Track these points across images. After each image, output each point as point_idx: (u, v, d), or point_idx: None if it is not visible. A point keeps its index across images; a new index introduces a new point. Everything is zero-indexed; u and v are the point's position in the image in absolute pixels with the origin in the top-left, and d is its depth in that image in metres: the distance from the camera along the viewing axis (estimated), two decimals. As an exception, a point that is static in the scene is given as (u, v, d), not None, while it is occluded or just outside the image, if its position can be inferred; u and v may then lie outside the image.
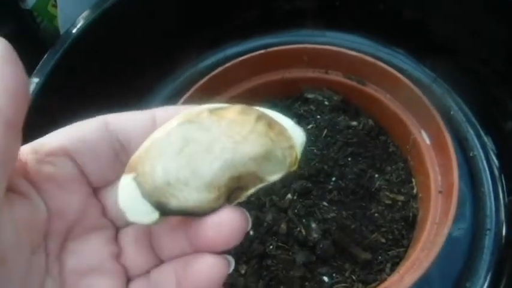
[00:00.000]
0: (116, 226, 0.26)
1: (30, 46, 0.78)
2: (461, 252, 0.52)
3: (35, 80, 0.54)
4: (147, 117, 0.25)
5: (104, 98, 0.46)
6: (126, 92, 0.56)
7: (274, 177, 0.24)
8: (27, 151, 0.23)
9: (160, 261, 0.25)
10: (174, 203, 0.23)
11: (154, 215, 0.23)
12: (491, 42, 0.57)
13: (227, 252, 0.23)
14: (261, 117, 0.23)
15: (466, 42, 0.59)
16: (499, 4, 0.54)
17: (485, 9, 0.56)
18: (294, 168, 0.24)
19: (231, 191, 0.24)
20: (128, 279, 0.26)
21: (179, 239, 0.24)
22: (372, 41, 0.66)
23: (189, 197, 0.23)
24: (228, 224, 0.23)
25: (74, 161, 0.24)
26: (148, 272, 0.25)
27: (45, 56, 0.56)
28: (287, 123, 0.25)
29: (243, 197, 0.24)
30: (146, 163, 0.23)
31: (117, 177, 0.25)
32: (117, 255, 0.26)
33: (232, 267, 0.24)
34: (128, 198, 0.23)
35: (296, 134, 0.24)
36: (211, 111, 0.23)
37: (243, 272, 0.44)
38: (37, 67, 0.55)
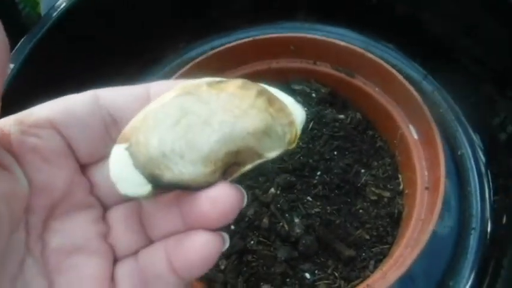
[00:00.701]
0: (104, 205, 0.25)
1: (11, 33, 0.76)
2: (446, 250, 0.51)
3: (10, 66, 0.52)
4: (140, 92, 0.24)
5: (85, 86, 0.45)
6: (109, 81, 0.54)
7: (273, 154, 0.23)
8: (10, 122, 0.22)
9: (150, 242, 0.24)
10: (168, 175, 0.21)
11: (146, 188, 0.22)
12: (483, 40, 0.56)
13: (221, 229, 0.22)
14: (261, 92, 0.23)
15: (458, 40, 0.58)
16: (493, 2, 0.53)
17: (479, 6, 0.55)
18: (293, 145, 0.24)
19: (228, 166, 0.23)
20: (115, 260, 0.24)
21: (172, 216, 0.23)
22: (364, 36, 0.65)
23: (184, 170, 0.22)
24: (223, 199, 0.21)
25: (61, 135, 0.23)
26: (137, 252, 0.24)
27: (21, 40, 0.54)
28: (287, 100, 0.24)
29: (240, 172, 0.23)
30: (141, 133, 0.22)
31: (107, 154, 0.23)
32: (105, 235, 0.24)
33: (227, 244, 0.23)
34: (120, 169, 0.22)
35: (296, 111, 0.24)
36: (211, 84, 0.23)
37: (222, 267, 0.42)
38: (12, 51, 0.53)
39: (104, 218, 0.25)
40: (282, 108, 0.23)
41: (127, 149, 0.22)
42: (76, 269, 0.23)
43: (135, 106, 0.23)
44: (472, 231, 0.52)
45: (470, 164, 0.56)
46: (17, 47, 0.53)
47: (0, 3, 0.77)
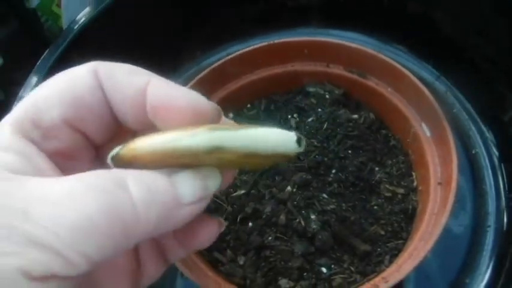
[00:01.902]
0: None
1: (34, 45, 0.79)
2: (462, 248, 0.52)
3: (34, 77, 0.54)
4: (139, 87, 0.23)
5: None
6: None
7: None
8: (28, 126, 0.22)
9: None
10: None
11: None
12: (495, 39, 0.57)
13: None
14: (265, 157, 0.24)
15: (470, 40, 0.59)
16: (504, 1, 0.54)
17: (490, 6, 0.56)
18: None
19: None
20: None
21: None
22: (375, 39, 0.66)
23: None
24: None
25: (77, 130, 0.24)
26: None
27: (45, 52, 0.56)
28: (289, 147, 0.24)
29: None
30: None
31: (115, 133, 0.25)
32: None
33: (223, 227, 0.27)
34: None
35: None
36: (209, 152, 0.22)
37: (241, 263, 0.44)
38: (37, 64, 0.55)
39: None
40: (284, 156, 0.24)
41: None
42: None
43: (133, 101, 0.24)
44: (488, 229, 0.53)
45: (485, 162, 0.57)
46: (41, 58, 0.56)
47: (24, 17, 0.80)
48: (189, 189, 0.22)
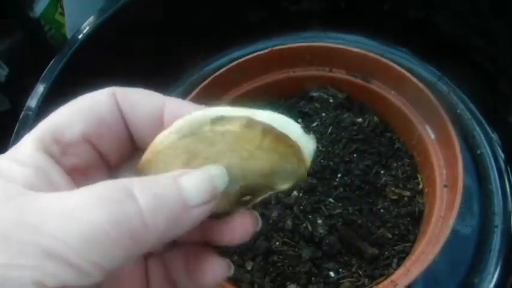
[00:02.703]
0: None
1: (39, 54, 0.79)
2: (470, 249, 0.52)
3: (41, 86, 0.55)
4: (157, 106, 0.25)
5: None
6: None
7: (284, 186, 0.25)
8: (48, 141, 0.23)
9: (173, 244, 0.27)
10: None
11: None
12: (497, 39, 0.57)
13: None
14: (267, 131, 0.23)
15: (472, 40, 0.59)
16: (506, 2, 0.54)
17: (490, 6, 0.56)
18: (305, 177, 0.25)
19: (242, 197, 0.24)
20: (146, 257, 0.27)
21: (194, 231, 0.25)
22: (378, 42, 0.66)
23: None
24: (241, 229, 0.25)
25: (95, 148, 0.25)
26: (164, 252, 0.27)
27: (51, 62, 0.57)
28: (295, 132, 0.23)
29: (254, 203, 0.25)
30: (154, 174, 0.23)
31: (130, 154, 0.26)
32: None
33: (232, 270, 0.27)
34: None
35: (306, 143, 0.24)
36: (214, 121, 0.23)
37: (249, 268, 0.44)
38: (43, 73, 0.56)
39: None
40: (291, 145, 0.23)
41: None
42: None
43: (150, 118, 0.25)
44: (495, 229, 0.53)
45: (490, 162, 0.57)
46: (47, 68, 0.56)
47: (27, 26, 0.81)
48: (196, 190, 0.22)
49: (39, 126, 0.23)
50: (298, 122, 0.47)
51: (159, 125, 0.25)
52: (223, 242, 0.26)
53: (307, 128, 0.43)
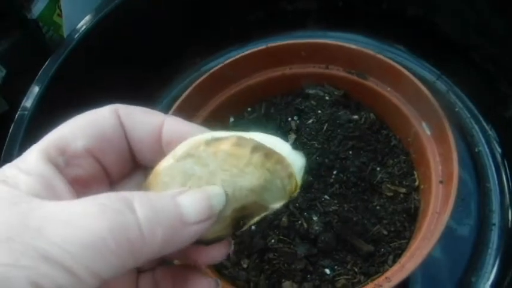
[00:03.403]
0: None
1: (37, 56, 0.79)
2: (467, 247, 0.52)
3: (36, 87, 0.55)
4: (156, 125, 0.26)
5: (108, 102, 0.47)
6: (128, 98, 0.57)
7: (277, 205, 0.25)
8: (53, 152, 0.24)
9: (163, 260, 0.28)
10: None
11: None
12: (495, 38, 0.57)
13: None
14: (256, 148, 0.24)
15: (470, 39, 0.59)
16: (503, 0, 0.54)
17: (491, 5, 0.56)
18: (295, 194, 0.25)
19: (237, 220, 0.25)
20: (139, 272, 0.28)
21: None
22: (376, 40, 0.66)
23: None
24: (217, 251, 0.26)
25: (98, 161, 0.26)
26: (155, 267, 0.28)
27: (47, 61, 0.57)
28: (285, 149, 0.25)
29: (249, 225, 0.25)
30: None
31: (131, 170, 0.27)
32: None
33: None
34: None
35: (295, 160, 0.25)
36: (208, 142, 0.24)
37: (245, 266, 0.44)
38: (38, 74, 0.56)
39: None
40: (279, 161, 0.24)
41: None
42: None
43: (150, 138, 0.26)
44: (493, 227, 0.53)
45: (488, 160, 0.57)
46: (43, 68, 0.56)
47: (26, 28, 0.81)
48: (194, 208, 0.23)
49: (45, 138, 0.25)
50: (294, 120, 0.47)
51: (158, 142, 0.26)
52: (199, 262, 0.27)
53: (302, 126, 0.43)
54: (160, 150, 0.26)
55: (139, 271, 0.28)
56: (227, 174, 0.24)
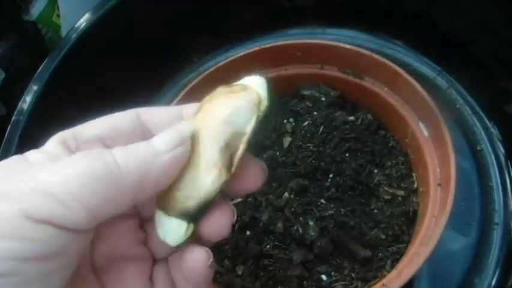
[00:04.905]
0: (143, 216, 0.29)
1: (34, 57, 0.79)
2: (469, 247, 0.51)
3: (35, 86, 0.54)
4: (175, 112, 0.28)
5: (106, 101, 0.46)
6: (127, 97, 0.56)
7: (252, 123, 0.26)
8: (68, 137, 0.26)
9: None
10: (190, 202, 0.25)
11: (184, 225, 0.26)
12: (496, 33, 0.55)
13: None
14: (225, 88, 0.27)
15: (471, 34, 0.58)
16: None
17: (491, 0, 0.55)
18: (264, 107, 0.26)
19: (228, 161, 0.26)
20: (154, 262, 0.29)
21: None
22: (375, 36, 0.65)
23: (198, 188, 0.25)
24: (220, 220, 0.27)
25: (107, 148, 0.26)
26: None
27: (45, 61, 0.56)
28: (246, 79, 0.28)
29: (239, 156, 0.26)
30: (162, 192, 0.26)
31: None
32: (144, 241, 0.29)
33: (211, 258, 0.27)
34: (162, 228, 0.26)
35: (253, 80, 0.27)
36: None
37: (240, 272, 0.43)
38: (36, 73, 0.56)
39: (142, 227, 0.29)
40: (242, 88, 0.27)
41: (160, 208, 0.26)
42: (120, 270, 0.28)
43: (170, 124, 0.27)
44: (496, 227, 0.52)
45: (491, 158, 0.56)
46: (41, 67, 0.56)
47: (23, 30, 0.81)
48: (163, 140, 0.25)
49: (69, 129, 0.27)
50: (289, 122, 0.46)
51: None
52: (206, 235, 0.27)
53: (297, 128, 0.42)
54: None
55: (155, 260, 0.29)
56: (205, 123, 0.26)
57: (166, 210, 0.26)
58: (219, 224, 0.27)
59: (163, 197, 0.26)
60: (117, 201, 0.23)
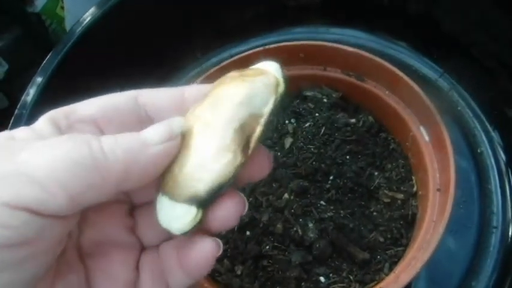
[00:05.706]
0: (133, 202, 0.28)
1: (38, 49, 0.79)
2: (468, 250, 0.51)
3: (39, 78, 0.55)
4: (176, 94, 0.27)
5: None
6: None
7: (269, 105, 0.25)
8: (59, 116, 0.25)
9: (170, 237, 0.27)
10: (201, 186, 0.24)
11: (192, 211, 0.24)
12: (498, 35, 0.55)
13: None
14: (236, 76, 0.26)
15: (473, 36, 0.58)
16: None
17: (493, 1, 0.54)
18: (281, 89, 0.26)
19: (244, 143, 0.25)
20: (142, 250, 0.28)
21: None
22: (378, 37, 0.65)
23: (211, 171, 0.24)
24: (231, 209, 0.26)
25: (100, 130, 0.26)
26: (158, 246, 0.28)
27: (49, 54, 0.56)
28: (260, 65, 0.28)
29: (256, 139, 0.25)
30: (167, 174, 0.25)
31: None
32: (132, 228, 0.28)
33: (221, 250, 0.26)
34: (166, 214, 0.25)
35: (268, 65, 0.28)
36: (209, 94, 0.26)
37: (238, 272, 0.43)
38: (40, 66, 0.56)
39: (132, 214, 0.28)
40: (258, 73, 0.26)
41: (163, 194, 0.25)
42: (107, 256, 0.26)
43: (170, 106, 0.27)
44: (494, 230, 0.52)
45: (490, 161, 0.56)
46: (45, 60, 0.56)
47: (27, 22, 0.81)
48: (154, 132, 0.24)
49: (61, 108, 0.26)
50: (291, 123, 0.46)
51: (180, 108, 0.27)
52: (213, 226, 0.26)
53: (299, 129, 0.42)
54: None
55: (143, 248, 0.28)
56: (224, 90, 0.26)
57: (172, 194, 0.24)
58: (229, 212, 0.25)
59: (168, 181, 0.25)
60: (100, 188, 0.22)
